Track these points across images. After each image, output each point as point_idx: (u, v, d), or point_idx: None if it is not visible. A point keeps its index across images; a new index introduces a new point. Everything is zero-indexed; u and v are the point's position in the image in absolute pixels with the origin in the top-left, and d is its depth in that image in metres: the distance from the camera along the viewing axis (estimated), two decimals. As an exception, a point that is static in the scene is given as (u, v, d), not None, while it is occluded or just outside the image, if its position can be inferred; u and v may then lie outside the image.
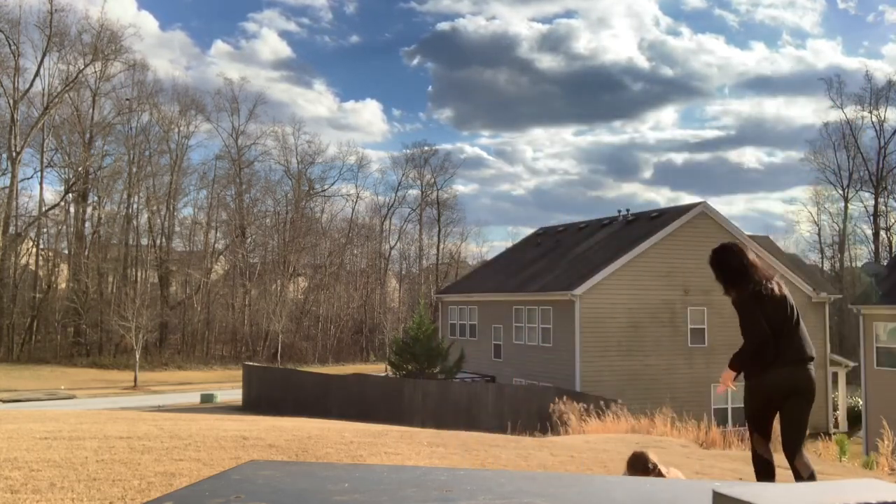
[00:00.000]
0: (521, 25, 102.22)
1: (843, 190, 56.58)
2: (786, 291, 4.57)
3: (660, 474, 4.72)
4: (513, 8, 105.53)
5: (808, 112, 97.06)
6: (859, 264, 52.39)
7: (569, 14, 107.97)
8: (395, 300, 68.05)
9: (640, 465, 4.78)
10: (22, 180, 51.97)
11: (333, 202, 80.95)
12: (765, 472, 4.50)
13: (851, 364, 28.20)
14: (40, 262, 54.16)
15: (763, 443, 4.58)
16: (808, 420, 4.53)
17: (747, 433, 4.73)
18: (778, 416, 4.52)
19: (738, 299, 4.50)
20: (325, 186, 68.47)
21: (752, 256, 4.60)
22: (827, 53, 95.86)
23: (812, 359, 4.47)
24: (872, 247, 55.07)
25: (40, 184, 57.60)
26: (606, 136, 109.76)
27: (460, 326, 32.99)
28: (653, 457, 4.84)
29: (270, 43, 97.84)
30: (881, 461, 12.40)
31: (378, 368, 44.31)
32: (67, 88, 51.82)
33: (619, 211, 31.61)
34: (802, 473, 4.37)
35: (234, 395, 33.62)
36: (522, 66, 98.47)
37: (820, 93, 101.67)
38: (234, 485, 1.58)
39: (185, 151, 59.69)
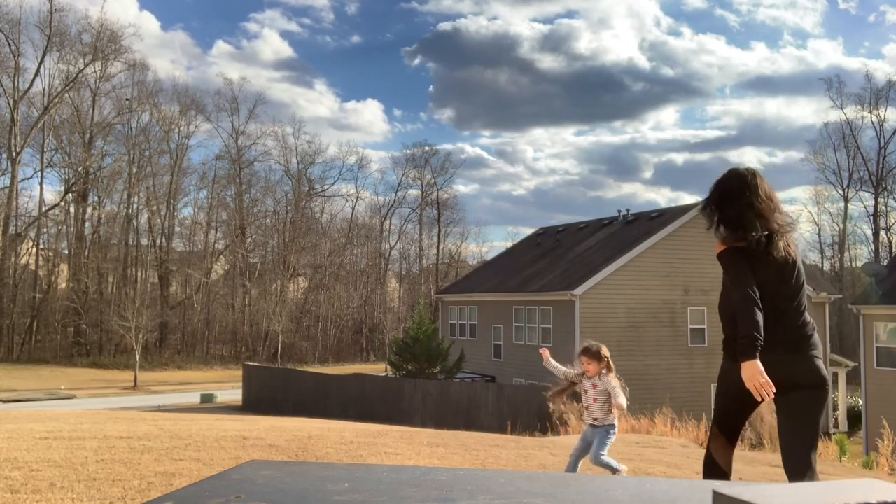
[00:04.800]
0: (522, 26, 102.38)
1: (843, 190, 56.64)
2: (794, 253, 3.39)
3: (609, 366, 5.47)
4: (514, 8, 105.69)
5: (809, 112, 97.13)
6: (859, 264, 52.40)
7: (570, 14, 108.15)
8: (395, 300, 68.04)
9: (593, 351, 5.50)
10: (22, 180, 52.07)
11: (333, 202, 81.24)
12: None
13: (851, 364, 28.22)
14: (40, 262, 54.17)
15: (724, 449, 3.41)
16: (814, 427, 3.24)
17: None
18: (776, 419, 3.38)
19: (726, 251, 3.31)
20: (325, 186, 68.60)
21: (763, 198, 3.39)
22: (827, 53, 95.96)
23: (810, 345, 3.30)
24: (872, 247, 55.10)
25: (40, 184, 57.71)
26: (607, 136, 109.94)
27: (460, 326, 32.99)
28: (607, 352, 5.57)
29: (272, 43, 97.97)
30: (881, 461, 12.40)
31: (378, 368, 44.32)
32: (67, 88, 51.83)
33: (619, 211, 31.64)
34: None
35: (234, 395, 33.63)
36: (523, 66, 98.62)
37: (820, 93, 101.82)
38: (234, 485, 1.58)
39: (185, 151, 59.81)
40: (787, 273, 3.34)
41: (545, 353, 5.88)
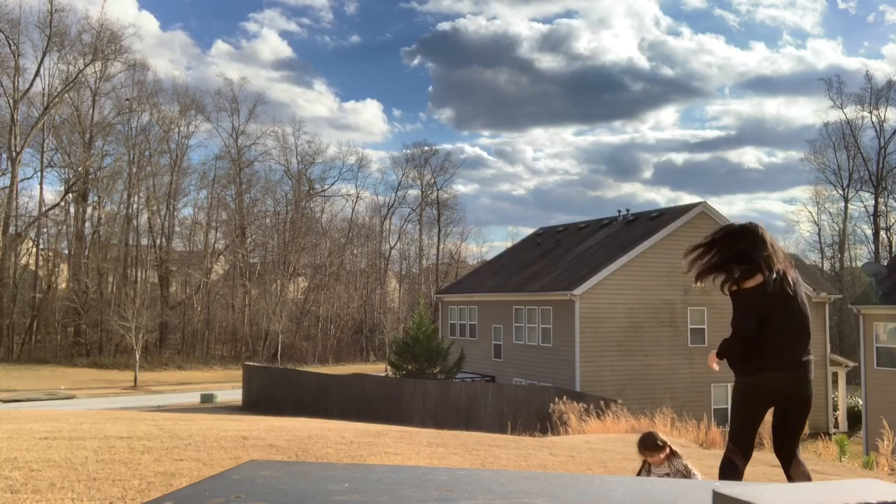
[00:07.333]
0: (522, 25, 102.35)
1: (843, 190, 56.61)
2: (794, 290, 3.99)
3: (673, 452, 4.82)
4: (513, 8, 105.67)
5: (808, 112, 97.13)
6: (859, 264, 52.36)
7: (569, 14, 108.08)
8: (395, 300, 68.03)
9: (649, 443, 4.84)
10: (22, 180, 52.03)
11: (333, 202, 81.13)
12: None
13: (851, 364, 28.21)
14: (40, 262, 54.15)
15: (742, 460, 3.96)
16: (801, 430, 4.07)
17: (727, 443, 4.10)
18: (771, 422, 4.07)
19: (739, 290, 3.95)
20: (325, 186, 68.57)
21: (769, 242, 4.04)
22: (827, 53, 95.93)
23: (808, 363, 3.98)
24: (872, 247, 55.07)
25: (40, 184, 57.69)
26: (606, 136, 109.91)
27: (460, 326, 32.99)
28: (662, 435, 4.92)
29: (271, 43, 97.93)
30: (881, 461, 12.41)
31: (378, 368, 44.30)
32: (67, 88, 51.81)
33: (619, 211, 31.61)
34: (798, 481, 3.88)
35: (234, 395, 33.62)
36: (523, 66, 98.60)
37: (820, 93, 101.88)
38: (234, 485, 1.58)
39: (185, 151, 59.79)
40: (789, 305, 3.94)
41: None
